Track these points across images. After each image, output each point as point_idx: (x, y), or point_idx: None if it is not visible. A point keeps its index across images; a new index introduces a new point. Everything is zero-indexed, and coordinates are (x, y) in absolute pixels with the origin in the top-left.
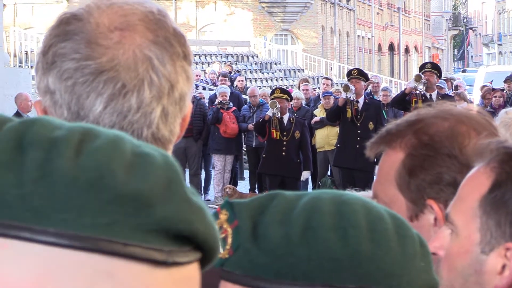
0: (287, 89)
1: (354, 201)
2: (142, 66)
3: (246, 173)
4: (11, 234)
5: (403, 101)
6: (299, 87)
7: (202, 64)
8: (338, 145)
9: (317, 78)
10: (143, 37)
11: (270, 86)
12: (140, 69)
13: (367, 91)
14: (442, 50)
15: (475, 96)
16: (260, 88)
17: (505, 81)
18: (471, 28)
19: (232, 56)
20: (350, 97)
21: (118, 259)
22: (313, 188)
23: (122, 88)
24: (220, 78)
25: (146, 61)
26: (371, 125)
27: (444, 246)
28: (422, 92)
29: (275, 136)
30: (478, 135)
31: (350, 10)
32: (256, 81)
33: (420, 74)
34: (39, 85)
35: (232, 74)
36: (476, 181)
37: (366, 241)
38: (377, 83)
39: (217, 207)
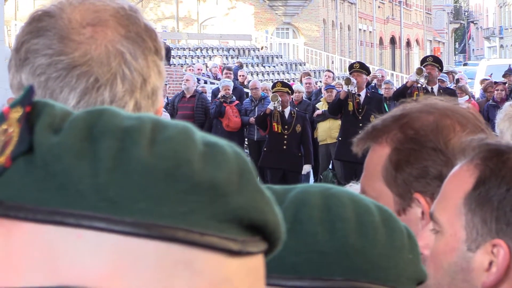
0: (288, 82)
1: (342, 194)
2: (114, 60)
3: None
4: (86, 225)
5: (405, 94)
6: (301, 81)
7: (204, 58)
8: (340, 139)
9: (319, 72)
10: (115, 32)
11: (272, 79)
12: (112, 64)
13: (371, 84)
14: (444, 43)
15: (476, 89)
16: (261, 82)
17: (503, 76)
18: (472, 22)
19: (233, 50)
20: (351, 90)
21: (195, 248)
22: (315, 181)
23: (95, 83)
24: (225, 71)
25: (118, 56)
26: (373, 119)
27: (429, 245)
28: (424, 85)
29: (276, 130)
30: (463, 129)
31: (352, 3)
32: (257, 74)
33: (422, 67)
34: (12, 82)
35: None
36: (460, 179)
37: (353, 234)
38: (382, 77)
39: None
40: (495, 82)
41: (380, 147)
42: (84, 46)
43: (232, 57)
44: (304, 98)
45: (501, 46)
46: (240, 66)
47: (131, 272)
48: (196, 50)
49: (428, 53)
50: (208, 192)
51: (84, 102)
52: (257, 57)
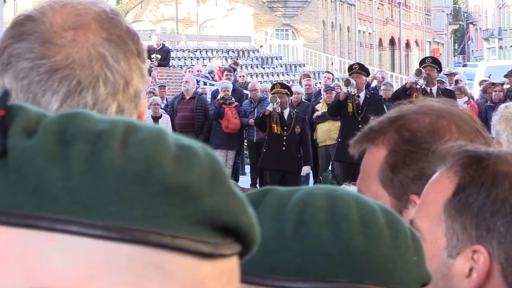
0: (287, 84)
1: (347, 196)
2: (96, 63)
3: (247, 168)
4: (58, 228)
5: (404, 96)
6: (300, 82)
7: (203, 59)
8: (339, 140)
9: (318, 73)
10: (96, 35)
11: (271, 81)
12: (94, 67)
13: (372, 86)
14: (443, 44)
15: (475, 91)
16: (261, 83)
17: (505, 76)
18: (471, 23)
19: (233, 51)
20: (351, 91)
21: (166, 251)
22: (315, 183)
23: (77, 86)
24: (225, 73)
25: (100, 59)
26: (372, 120)
27: None
28: (423, 87)
29: (275, 131)
30: (459, 130)
31: (351, 5)
32: (257, 76)
33: (421, 68)
34: None
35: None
36: (440, 186)
37: (358, 236)
38: (382, 78)
39: None
40: (493, 83)
41: (377, 149)
42: (66, 49)
43: (231, 59)
44: (303, 100)
45: (500, 47)
46: (235, 64)
47: (102, 275)
48: (196, 51)
49: (428, 54)
50: (179, 195)
51: (67, 106)
52: (257, 59)
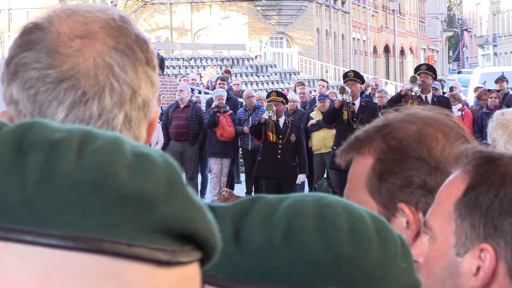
0: (282, 92)
1: (335, 203)
2: (102, 73)
3: (243, 176)
4: (13, 238)
5: (399, 103)
6: (295, 90)
7: (198, 68)
8: (335, 148)
9: (313, 81)
10: (103, 44)
11: (266, 89)
12: (100, 76)
13: (366, 93)
14: (438, 51)
15: (470, 97)
16: (255, 91)
17: (496, 82)
18: (466, 30)
19: (227, 60)
20: (346, 99)
21: (122, 260)
22: (310, 190)
23: (82, 96)
24: (219, 81)
25: (106, 68)
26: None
27: (424, 253)
28: (418, 94)
29: (271, 139)
30: (446, 137)
31: (345, 12)
32: (251, 84)
33: (416, 75)
34: (5, 95)
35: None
36: (452, 186)
37: (347, 243)
38: (376, 85)
39: None
40: (489, 90)
41: (363, 158)
42: (72, 59)
43: (226, 67)
44: (299, 108)
45: (495, 53)
46: (226, 73)
47: (59, 284)
48: (190, 60)
49: (422, 62)
50: (135, 203)
51: (72, 116)
52: (251, 67)
